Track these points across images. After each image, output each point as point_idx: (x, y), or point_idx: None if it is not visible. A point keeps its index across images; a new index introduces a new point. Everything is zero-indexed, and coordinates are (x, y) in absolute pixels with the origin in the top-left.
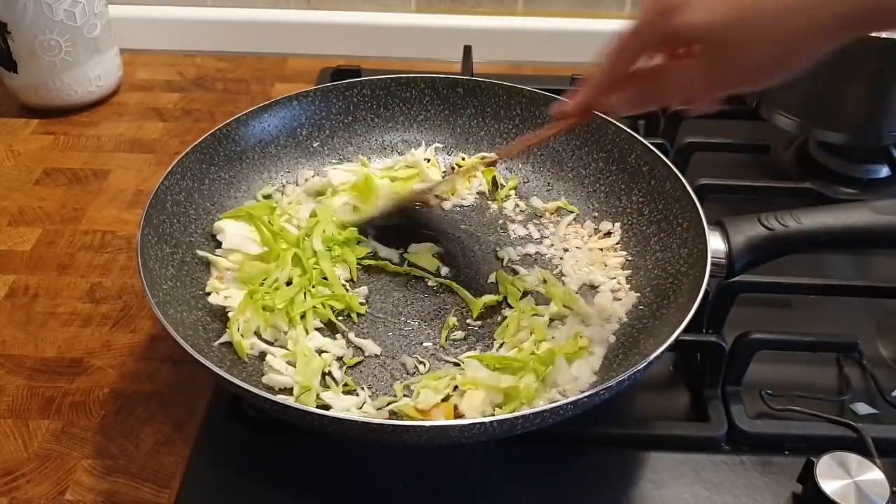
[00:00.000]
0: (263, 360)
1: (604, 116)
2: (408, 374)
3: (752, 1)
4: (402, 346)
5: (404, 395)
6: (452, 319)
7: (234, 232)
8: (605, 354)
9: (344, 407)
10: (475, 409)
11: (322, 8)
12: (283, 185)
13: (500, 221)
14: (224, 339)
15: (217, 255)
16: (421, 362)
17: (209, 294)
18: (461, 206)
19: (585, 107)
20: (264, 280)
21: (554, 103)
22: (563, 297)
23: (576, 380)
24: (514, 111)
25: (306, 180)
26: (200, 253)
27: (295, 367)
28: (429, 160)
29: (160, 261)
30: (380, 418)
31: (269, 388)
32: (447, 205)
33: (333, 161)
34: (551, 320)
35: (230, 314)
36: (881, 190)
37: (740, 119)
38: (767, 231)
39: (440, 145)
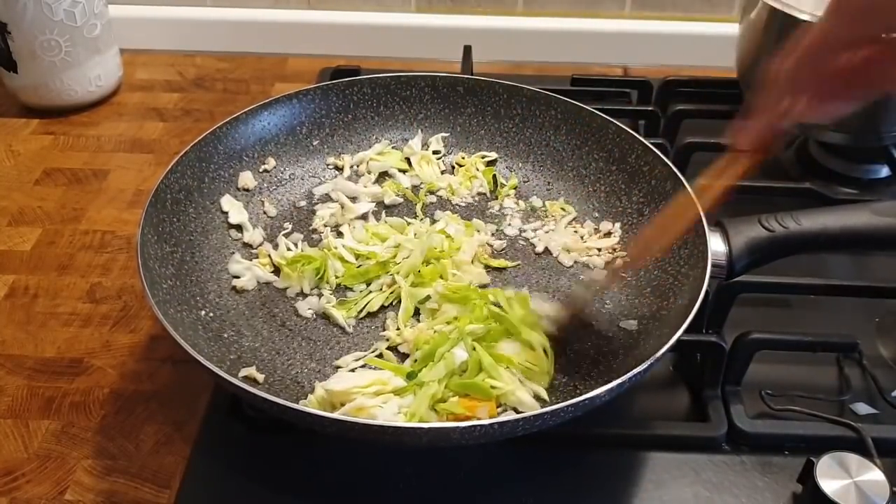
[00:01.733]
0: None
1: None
2: None
3: None
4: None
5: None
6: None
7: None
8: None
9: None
10: None
11: (322, 8)
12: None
13: (500, 220)
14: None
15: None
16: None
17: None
18: (461, 205)
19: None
20: None
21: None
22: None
23: None
24: (515, 110)
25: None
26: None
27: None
28: (438, 152)
29: (160, 260)
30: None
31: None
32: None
33: (334, 153)
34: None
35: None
36: (881, 190)
37: None
38: (767, 233)
39: (446, 134)
